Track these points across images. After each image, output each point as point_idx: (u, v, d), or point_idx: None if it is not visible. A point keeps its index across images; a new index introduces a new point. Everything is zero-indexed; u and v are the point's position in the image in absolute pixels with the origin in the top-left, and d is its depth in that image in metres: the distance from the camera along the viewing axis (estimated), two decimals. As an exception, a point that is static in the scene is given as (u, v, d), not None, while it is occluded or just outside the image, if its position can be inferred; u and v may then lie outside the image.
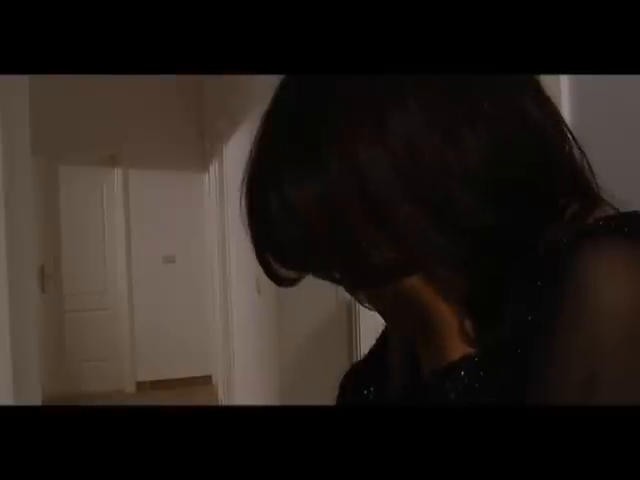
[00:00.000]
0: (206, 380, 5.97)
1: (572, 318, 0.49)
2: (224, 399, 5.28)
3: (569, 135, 0.57)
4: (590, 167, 0.58)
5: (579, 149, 0.58)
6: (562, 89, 1.12)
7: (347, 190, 0.52)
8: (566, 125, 0.58)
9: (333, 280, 0.59)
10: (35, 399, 3.05)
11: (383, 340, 0.72)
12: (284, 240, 0.56)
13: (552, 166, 0.55)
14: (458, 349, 0.58)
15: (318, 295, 3.44)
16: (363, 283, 0.58)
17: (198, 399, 5.41)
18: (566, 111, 1.12)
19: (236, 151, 3.79)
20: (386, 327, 0.72)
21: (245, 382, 4.67)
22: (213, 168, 5.40)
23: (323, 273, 0.58)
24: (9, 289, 2.85)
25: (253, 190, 0.58)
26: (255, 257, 0.61)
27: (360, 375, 0.71)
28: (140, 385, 5.94)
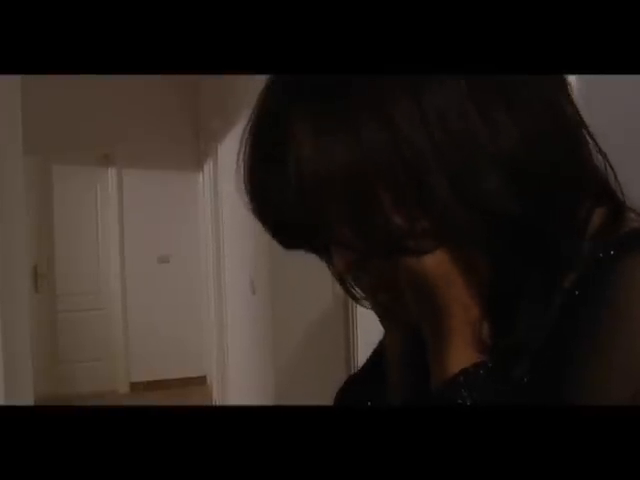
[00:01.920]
0: (200, 380, 5.96)
1: (614, 335, 0.48)
2: (218, 399, 5.27)
3: (593, 141, 0.57)
4: (614, 174, 0.57)
5: (603, 155, 0.57)
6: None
7: (376, 154, 0.51)
8: (589, 131, 0.57)
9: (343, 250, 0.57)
10: (27, 399, 3.05)
11: (380, 353, 0.69)
12: (293, 213, 0.55)
13: (578, 167, 0.55)
14: (469, 355, 0.56)
15: (313, 295, 3.44)
16: (378, 252, 0.56)
17: (192, 399, 5.40)
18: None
19: (231, 151, 3.78)
20: (383, 339, 0.69)
21: (240, 382, 4.67)
22: (208, 168, 5.39)
23: (328, 243, 0.57)
24: (2, 289, 2.84)
25: (262, 159, 0.56)
26: (262, 224, 0.59)
27: (356, 391, 0.70)
28: (134, 385, 5.93)
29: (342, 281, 0.65)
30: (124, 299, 5.91)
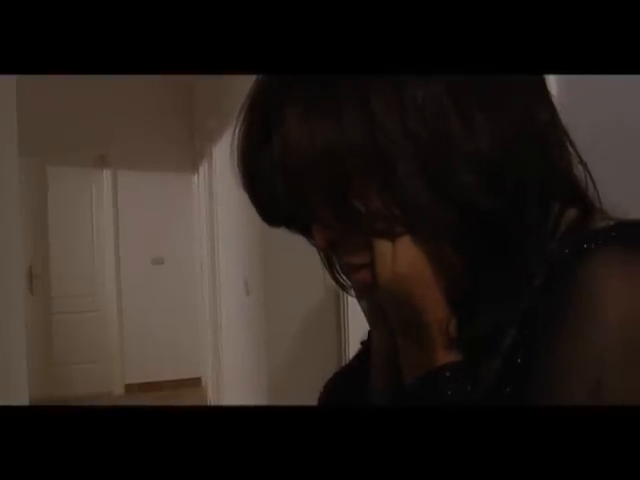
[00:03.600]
0: (195, 382, 5.95)
1: (575, 328, 0.50)
2: (213, 400, 5.27)
3: (570, 144, 0.59)
4: (590, 176, 0.59)
5: (579, 158, 0.59)
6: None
7: (354, 139, 0.54)
8: (567, 134, 0.59)
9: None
10: (22, 401, 3.04)
11: (366, 351, 0.70)
12: (277, 191, 0.58)
13: (550, 168, 0.57)
14: (442, 355, 0.57)
15: (306, 295, 3.44)
16: (353, 232, 0.58)
17: (187, 401, 5.40)
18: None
19: (226, 151, 3.78)
20: (368, 336, 0.70)
21: (234, 384, 4.66)
22: (203, 169, 5.39)
23: (307, 221, 0.60)
24: None
25: (252, 138, 0.59)
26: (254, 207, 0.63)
27: (341, 389, 0.71)
28: (129, 387, 5.92)
29: (330, 268, 0.66)
30: (119, 301, 5.91)
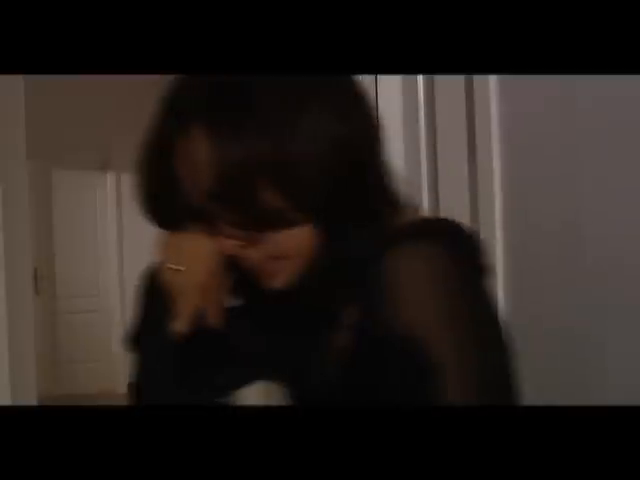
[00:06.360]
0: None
1: (391, 299, 0.62)
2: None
3: (382, 148, 0.69)
4: (396, 180, 0.71)
5: (386, 163, 0.70)
6: (491, 89, 1.17)
7: (255, 148, 0.62)
8: (380, 139, 0.69)
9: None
10: (31, 400, 3.06)
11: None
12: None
13: (365, 173, 0.67)
14: None
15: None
16: (256, 228, 0.66)
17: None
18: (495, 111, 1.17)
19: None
20: None
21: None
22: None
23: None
24: (6, 290, 2.85)
25: (161, 146, 0.68)
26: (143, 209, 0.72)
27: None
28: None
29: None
30: (123, 301, 5.94)
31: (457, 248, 0.65)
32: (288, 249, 0.67)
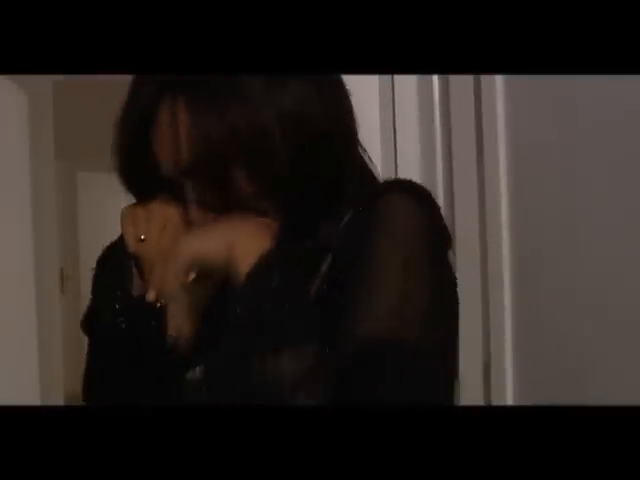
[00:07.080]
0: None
1: (379, 245, 0.65)
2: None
3: (356, 136, 0.72)
4: (371, 161, 0.76)
5: (362, 148, 0.74)
6: (498, 89, 1.18)
7: (234, 133, 0.64)
8: (354, 127, 0.72)
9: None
10: (58, 399, 3.08)
11: None
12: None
13: (343, 159, 0.70)
14: None
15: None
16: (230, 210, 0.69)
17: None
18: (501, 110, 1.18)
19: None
20: None
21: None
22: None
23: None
24: (35, 290, 2.87)
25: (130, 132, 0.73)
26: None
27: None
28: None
29: None
30: (146, 301, 5.97)
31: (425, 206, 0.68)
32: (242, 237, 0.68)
